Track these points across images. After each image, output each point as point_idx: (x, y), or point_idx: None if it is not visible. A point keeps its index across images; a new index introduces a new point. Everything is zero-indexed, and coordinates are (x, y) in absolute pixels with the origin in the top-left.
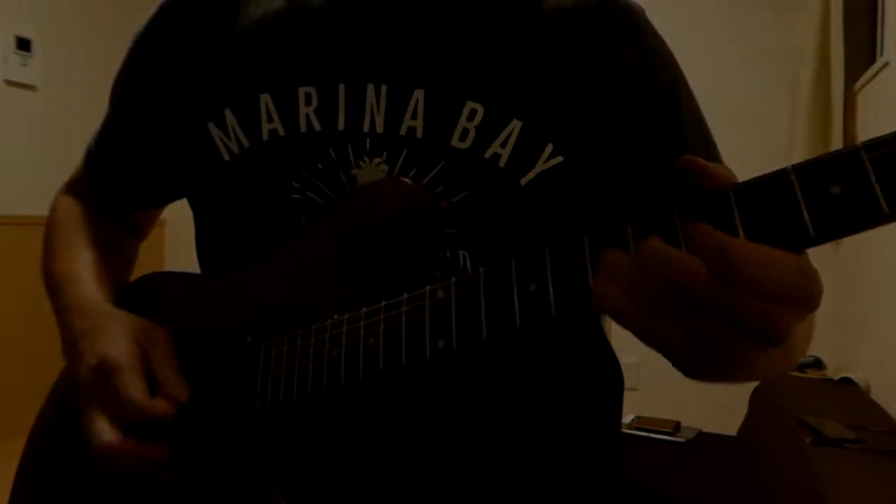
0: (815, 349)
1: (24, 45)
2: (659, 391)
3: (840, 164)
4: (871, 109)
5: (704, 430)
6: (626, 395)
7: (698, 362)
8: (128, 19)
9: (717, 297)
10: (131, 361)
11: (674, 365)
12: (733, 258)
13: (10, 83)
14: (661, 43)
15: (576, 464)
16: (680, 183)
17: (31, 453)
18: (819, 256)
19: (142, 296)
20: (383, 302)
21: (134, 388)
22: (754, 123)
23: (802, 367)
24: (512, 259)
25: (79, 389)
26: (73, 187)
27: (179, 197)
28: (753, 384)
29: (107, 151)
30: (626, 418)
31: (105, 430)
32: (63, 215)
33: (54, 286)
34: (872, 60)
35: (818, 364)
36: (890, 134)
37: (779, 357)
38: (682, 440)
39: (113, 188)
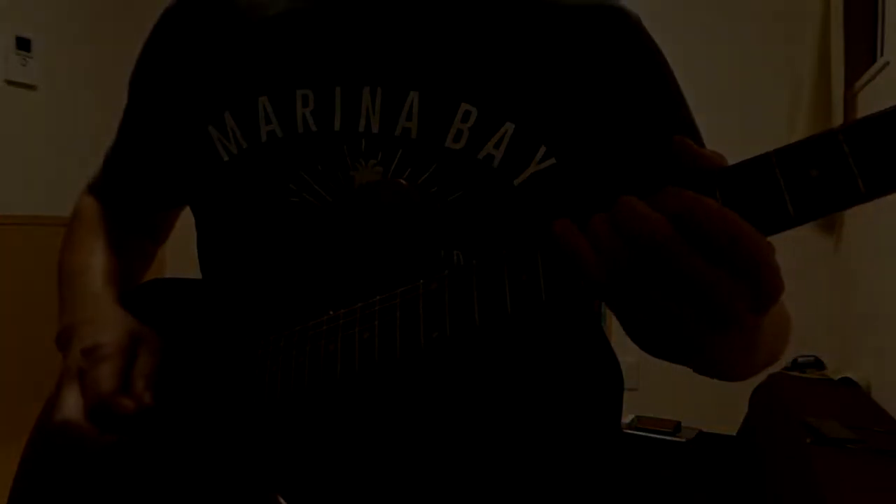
0: (815, 349)
1: (24, 45)
2: (659, 391)
3: (819, 147)
4: (871, 109)
5: (704, 430)
6: (626, 395)
7: (651, 329)
8: (128, 19)
9: (678, 252)
10: (116, 353)
11: (631, 336)
12: (702, 209)
13: (10, 83)
14: (656, 49)
15: (576, 464)
16: (672, 164)
17: (32, 454)
18: (819, 256)
19: (144, 301)
20: (378, 297)
21: (107, 377)
22: (754, 123)
23: (802, 367)
24: (503, 249)
25: (65, 370)
26: (93, 188)
27: (188, 200)
28: (754, 384)
29: (120, 155)
30: (626, 418)
31: (70, 407)
32: (83, 215)
33: (64, 279)
34: (872, 60)
35: (818, 364)
36: (865, 117)
37: (738, 347)
38: (682, 440)
39: (126, 190)
